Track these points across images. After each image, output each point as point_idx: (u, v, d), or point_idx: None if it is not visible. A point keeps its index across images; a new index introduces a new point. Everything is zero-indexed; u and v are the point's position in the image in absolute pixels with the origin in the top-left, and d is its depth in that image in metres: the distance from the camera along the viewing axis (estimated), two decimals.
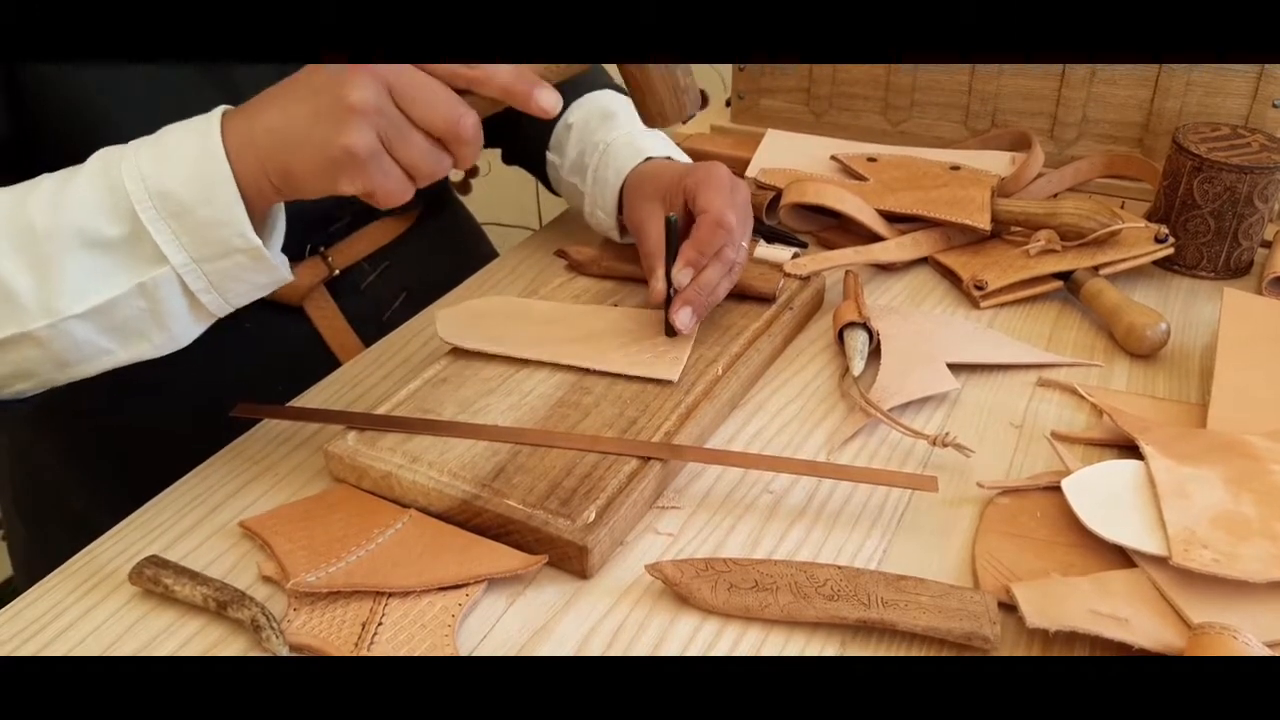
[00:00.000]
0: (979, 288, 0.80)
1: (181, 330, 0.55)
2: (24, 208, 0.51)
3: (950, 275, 0.84)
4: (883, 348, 0.72)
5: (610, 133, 0.79)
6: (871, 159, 0.95)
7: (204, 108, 0.54)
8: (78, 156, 0.53)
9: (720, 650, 0.50)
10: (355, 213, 0.82)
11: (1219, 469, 0.56)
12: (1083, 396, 0.67)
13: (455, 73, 0.51)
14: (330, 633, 0.49)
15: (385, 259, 0.85)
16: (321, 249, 0.80)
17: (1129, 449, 0.60)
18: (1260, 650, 0.44)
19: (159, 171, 0.50)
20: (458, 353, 0.69)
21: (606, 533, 0.54)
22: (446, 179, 0.99)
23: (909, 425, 0.63)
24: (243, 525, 0.57)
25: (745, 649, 0.50)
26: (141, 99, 0.65)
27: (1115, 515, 0.53)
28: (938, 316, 0.78)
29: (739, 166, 0.95)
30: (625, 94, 0.72)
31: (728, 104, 1.13)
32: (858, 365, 0.69)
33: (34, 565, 0.81)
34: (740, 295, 0.75)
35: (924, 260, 0.87)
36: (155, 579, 0.52)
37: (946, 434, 0.61)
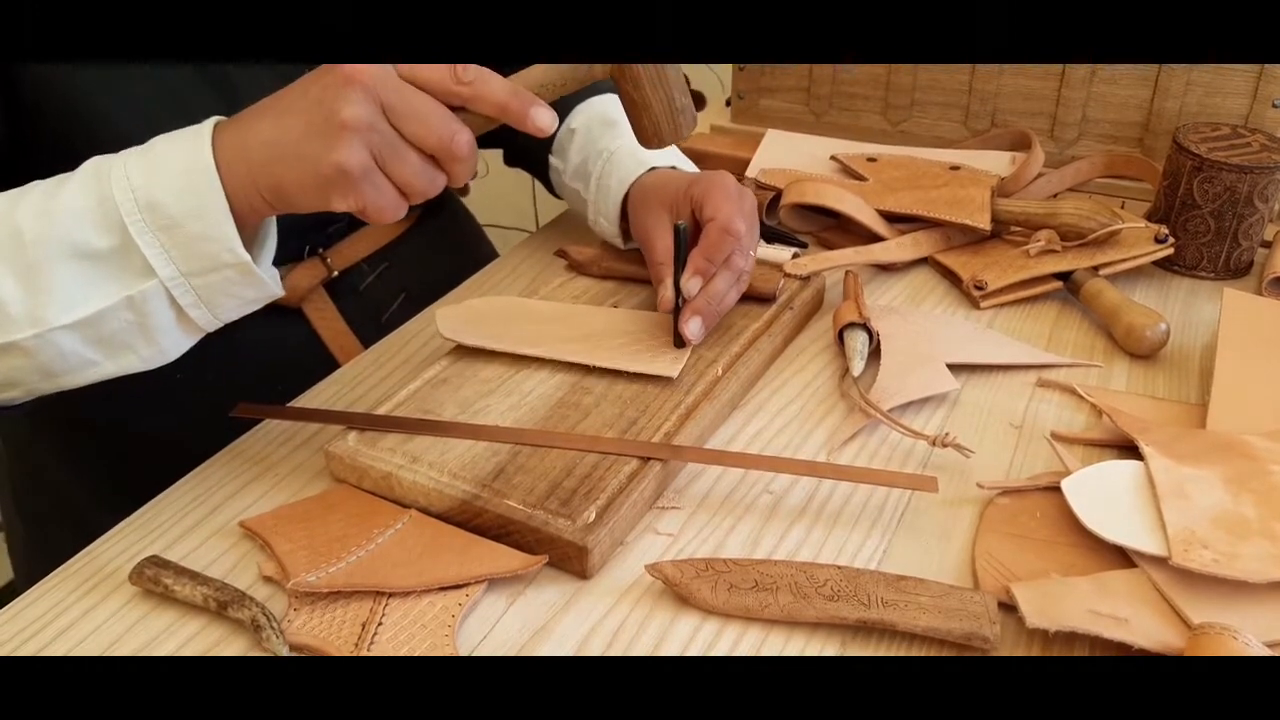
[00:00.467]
0: (979, 288, 0.80)
1: (169, 344, 0.54)
2: (13, 215, 0.51)
3: (950, 275, 0.84)
4: (883, 348, 0.72)
5: (614, 140, 0.79)
6: (871, 159, 0.95)
7: (202, 108, 0.54)
8: (75, 157, 0.53)
9: (720, 650, 0.50)
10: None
11: (1219, 469, 0.56)
12: (1082, 397, 0.67)
13: (449, 90, 0.50)
14: (330, 633, 0.49)
15: (384, 260, 0.85)
16: (320, 250, 0.80)
17: (1129, 449, 0.60)
18: (1260, 650, 0.44)
19: (149, 184, 0.50)
20: (458, 353, 0.69)
21: (606, 533, 0.54)
22: None
23: (909, 425, 0.63)
24: (243, 525, 0.57)
25: (745, 649, 0.50)
26: (139, 99, 0.65)
27: (1115, 515, 0.53)
28: (938, 316, 0.78)
29: (739, 166, 0.95)
30: None
31: (728, 104, 1.13)
32: (858, 365, 0.69)
33: (34, 565, 0.81)
34: (740, 295, 0.75)
35: (924, 260, 0.87)
36: (155, 579, 0.52)
37: (946, 434, 0.61)
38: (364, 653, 0.48)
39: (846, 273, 0.79)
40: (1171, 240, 0.79)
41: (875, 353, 0.72)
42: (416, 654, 0.48)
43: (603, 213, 0.80)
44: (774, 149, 0.99)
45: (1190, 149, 0.81)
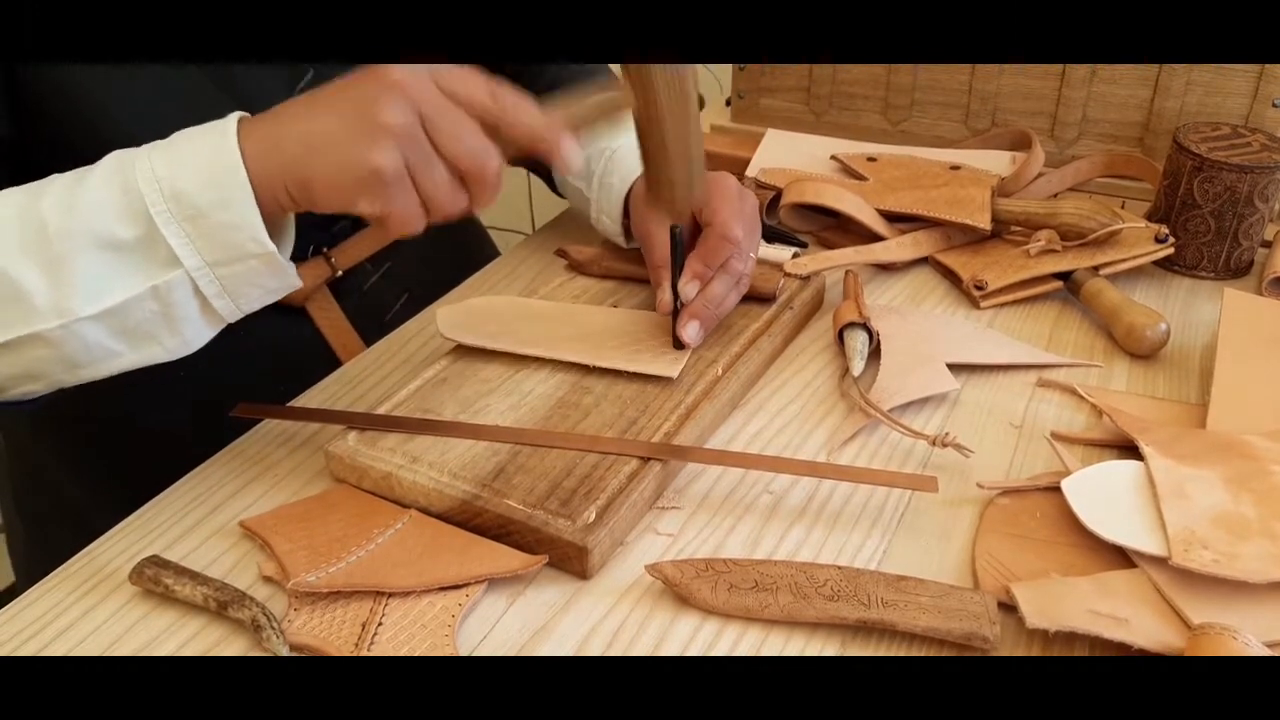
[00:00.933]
0: (979, 288, 0.80)
1: (193, 334, 0.55)
2: (36, 208, 0.51)
3: (950, 275, 0.84)
4: (883, 348, 0.72)
5: (616, 139, 0.79)
6: (871, 159, 0.95)
7: (206, 107, 0.54)
8: (79, 156, 0.53)
9: (720, 650, 0.50)
10: None
11: (1219, 469, 0.56)
12: (1082, 397, 0.67)
13: (486, 107, 0.50)
14: (330, 633, 0.49)
15: (388, 259, 0.85)
16: (325, 249, 0.80)
17: (1129, 449, 0.60)
18: (1260, 650, 0.44)
19: (174, 174, 0.50)
20: (458, 353, 0.69)
21: (606, 533, 0.54)
22: None
23: (909, 425, 0.63)
24: (243, 525, 0.57)
25: (745, 649, 0.50)
26: (143, 98, 0.65)
27: (1115, 515, 0.53)
28: (938, 316, 0.78)
29: (739, 166, 0.95)
30: None
31: (728, 104, 1.13)
32: (858, 365, 0.69)
33: (34, 565, 0.81)
34: (741, 297, 0.75)
35: (924, 260, 0.87)
36: (155, 579, 0.52)
37: (946, 434, 0.61)
38: (364, 653, 0.48)
39: (846, 272, 0.79)
40: (1172, 240, 0.79)
41: (875, 353, 0.72)
42: (416, 654, 0.48)
43: (605, 211, 0.80)
44: (774, 148, 0.99)
45: (1190, 149, 0.81)
